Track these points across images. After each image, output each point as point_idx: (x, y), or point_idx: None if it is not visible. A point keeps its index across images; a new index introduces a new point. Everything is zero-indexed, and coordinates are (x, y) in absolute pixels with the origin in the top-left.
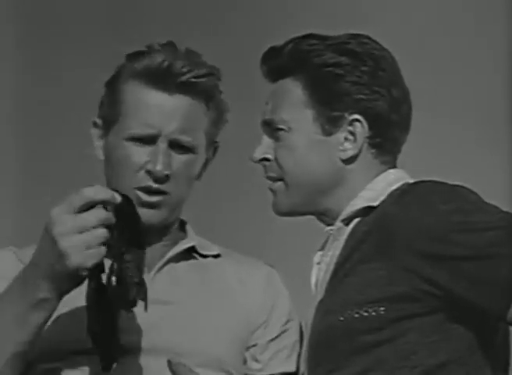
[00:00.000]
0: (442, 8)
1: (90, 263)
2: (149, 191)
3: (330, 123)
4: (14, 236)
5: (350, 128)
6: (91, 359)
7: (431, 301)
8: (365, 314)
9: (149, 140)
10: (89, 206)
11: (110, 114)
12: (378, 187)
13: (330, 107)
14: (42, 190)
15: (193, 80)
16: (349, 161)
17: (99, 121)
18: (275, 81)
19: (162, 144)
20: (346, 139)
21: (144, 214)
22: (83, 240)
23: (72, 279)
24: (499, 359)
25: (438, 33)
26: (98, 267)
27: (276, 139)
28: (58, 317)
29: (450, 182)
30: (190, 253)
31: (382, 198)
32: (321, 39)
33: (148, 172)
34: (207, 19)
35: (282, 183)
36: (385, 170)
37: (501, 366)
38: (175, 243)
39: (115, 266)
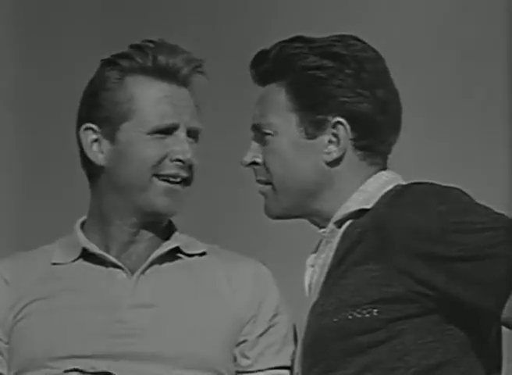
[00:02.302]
0: (442, 6)
1: None
2: (177, 179)
3: (314, 127)
4: (14, 237)
5: (334, 131)
6: (76, 365)
7: (425, 303)
8: (359, 316)
9: (170, 130)
10: None
11: (115, 114)
12: (371, 188)
13: (313, 111)
14: (43, 190)
15: (192, 72)
16: (334, 163)
17: (93, 125)
18: (263, 85)
19: (183, 133)
20: (330, 142)
21: (170, 202)
22: None
23: None
24: (492, 359)
25: (438, 33)
26: None
27: (264, 143)
28: (45, 323)
29: (443, 184)
30: (174, 253)
31: (375, 200)
32: (307, 42)
33: (177, 160)
34: (202, 19)
35: (271, 187)
36: (375, 172)
37: (494, 366)
38: (160, 244)
39: None
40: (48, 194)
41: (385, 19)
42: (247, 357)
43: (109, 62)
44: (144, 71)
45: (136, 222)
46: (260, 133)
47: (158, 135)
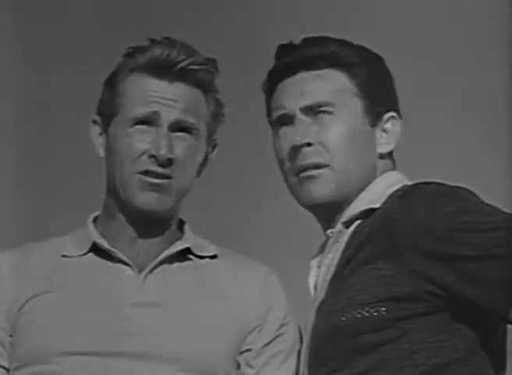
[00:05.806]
0: (442, 7)
1: None
2: (153, 175)
3: (375, 117)
4: (14, 234)
5: (388, 125)
6: (78, 361)
7: (434, 302)
8: (367, 314)
9: (151, 122)
10: None
11: (110, 108)
12: (379, 188)
13: (379, 102)
14: (41, 189)
15: (191, 67)
16: (383, 156)
17: (98, 118)
18: (296, 73)
19: (164, 128)
20: (382, 135)
21: (149, 199)
22: None
23: None
24: (498, 358)
25: (438, 33)
26: None
27: (320, 124)
28: (51, 318)
29: (450, 183)
30: (185, 254)
31: (383, 199)
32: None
33: (152, 156)
34: (207, 19)
35: (328, 169)
36: (386, 170)
37: (500, 364)
38: (171, 243)
39: None
40: (47, 194)
41: (389, 19)
42: (251, 366)
43: (121, 61)
44: (141, 69)
45: (130, 218)
46: (314, 114)
47: (139, 126)
